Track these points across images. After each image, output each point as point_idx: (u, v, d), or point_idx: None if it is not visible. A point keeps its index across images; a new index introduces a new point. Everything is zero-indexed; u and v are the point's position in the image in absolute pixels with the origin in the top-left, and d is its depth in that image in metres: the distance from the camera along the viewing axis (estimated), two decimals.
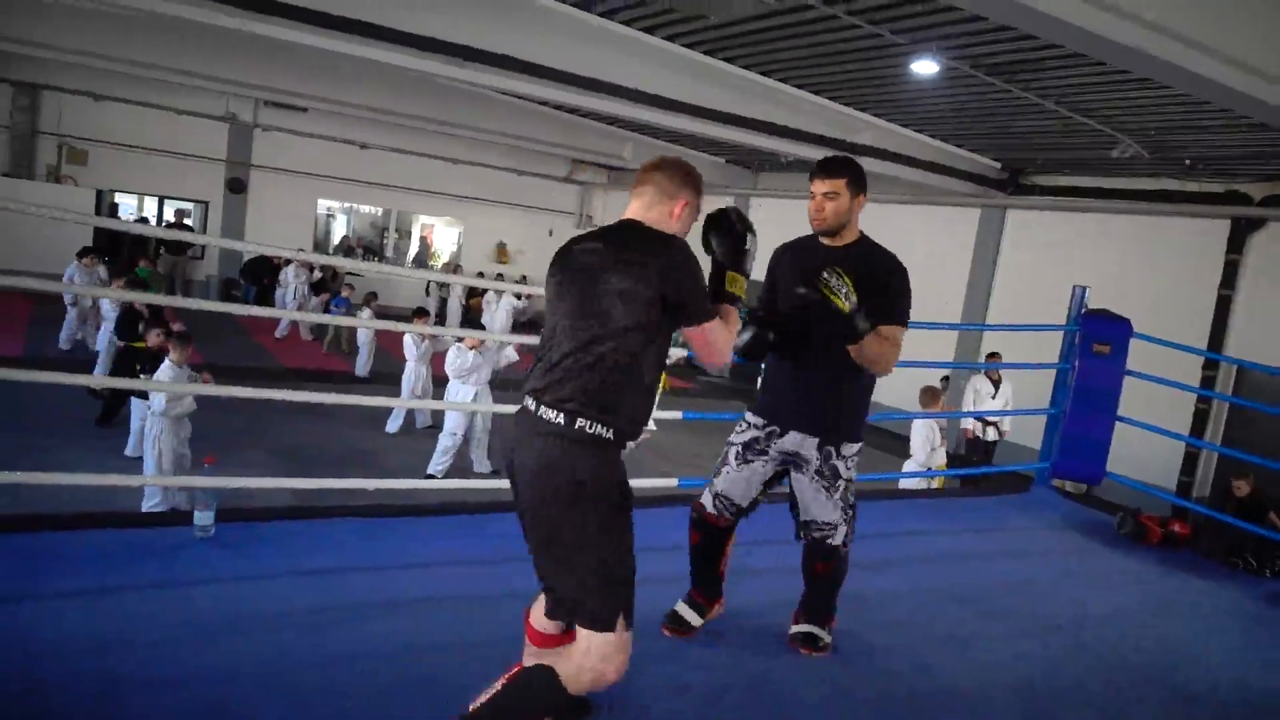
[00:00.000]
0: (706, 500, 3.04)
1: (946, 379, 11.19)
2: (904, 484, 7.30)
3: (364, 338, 12.67)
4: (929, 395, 8.00)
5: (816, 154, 10.54)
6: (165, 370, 6.61)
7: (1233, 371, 9.82)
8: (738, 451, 3.01)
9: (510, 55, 7.91)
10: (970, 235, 12.92)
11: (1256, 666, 3.54)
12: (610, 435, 2.09)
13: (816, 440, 2.91)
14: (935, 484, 7.72)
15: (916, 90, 9.17)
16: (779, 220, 15.90)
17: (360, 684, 2.53)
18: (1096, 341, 5.49)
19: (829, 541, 2.91)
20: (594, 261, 2.15)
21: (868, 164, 10.68)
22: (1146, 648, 3.57)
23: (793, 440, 2.94)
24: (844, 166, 2.95)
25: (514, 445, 2.17)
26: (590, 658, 2.06)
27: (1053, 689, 3.08)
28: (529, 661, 2.22)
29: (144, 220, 17.26)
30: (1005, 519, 5.33)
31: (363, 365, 12.64)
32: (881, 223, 15.19)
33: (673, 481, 4.54)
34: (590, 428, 2.07)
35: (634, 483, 4.66)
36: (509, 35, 7.92)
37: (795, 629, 3.06)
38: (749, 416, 3.06)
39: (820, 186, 2.96)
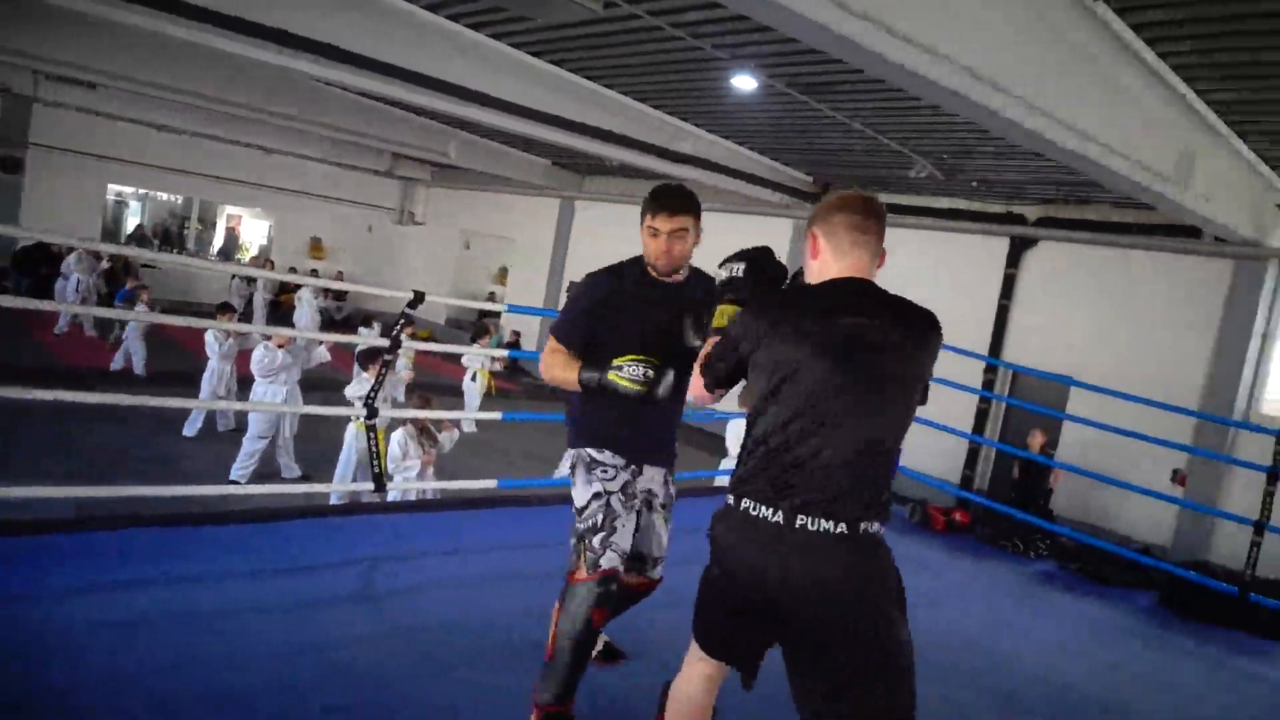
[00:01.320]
0: (610, 562, 2.51)
1: None
2: (720, 481, 7.57)
3: (132, 334, 11.75)
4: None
5: (641, 160, 10.77)
6: None
7: (1009, 375, 10.84)
8: (619, 499, 2.61)
9: (329, 43, 7.58)
10: (784, 244, 13.58)
11: (1048, 648, 3.95)
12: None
13: (664, 471, 2.79)
14: None
15: (736, 104, 9.54)
16: (605, 222, 16.19)
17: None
18: None
19: (660, 572, 2.81)
20: (877, 340, 1.87)
21: (688, 173, 11.11)
22: (931, 626, 3.89)
23: (648, 477, 2.73)
24: (689, 200, 2.67)
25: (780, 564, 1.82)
26: None
27: None
28: None
29: None
30: None
31: (139, 363, 11.71)
32: (705, 231, 15.73)
33: (492, 483, 4.51)
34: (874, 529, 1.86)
35: (453, 485, 4.64)
36: (327, 22, 7.58)
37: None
38: (607, 457, 2.64)
39: (666, 224, 2.61)
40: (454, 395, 10.76)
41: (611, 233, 16.58)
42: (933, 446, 7.68)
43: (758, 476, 1.87)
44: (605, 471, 2.63)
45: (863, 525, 1.80)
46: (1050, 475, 7.55)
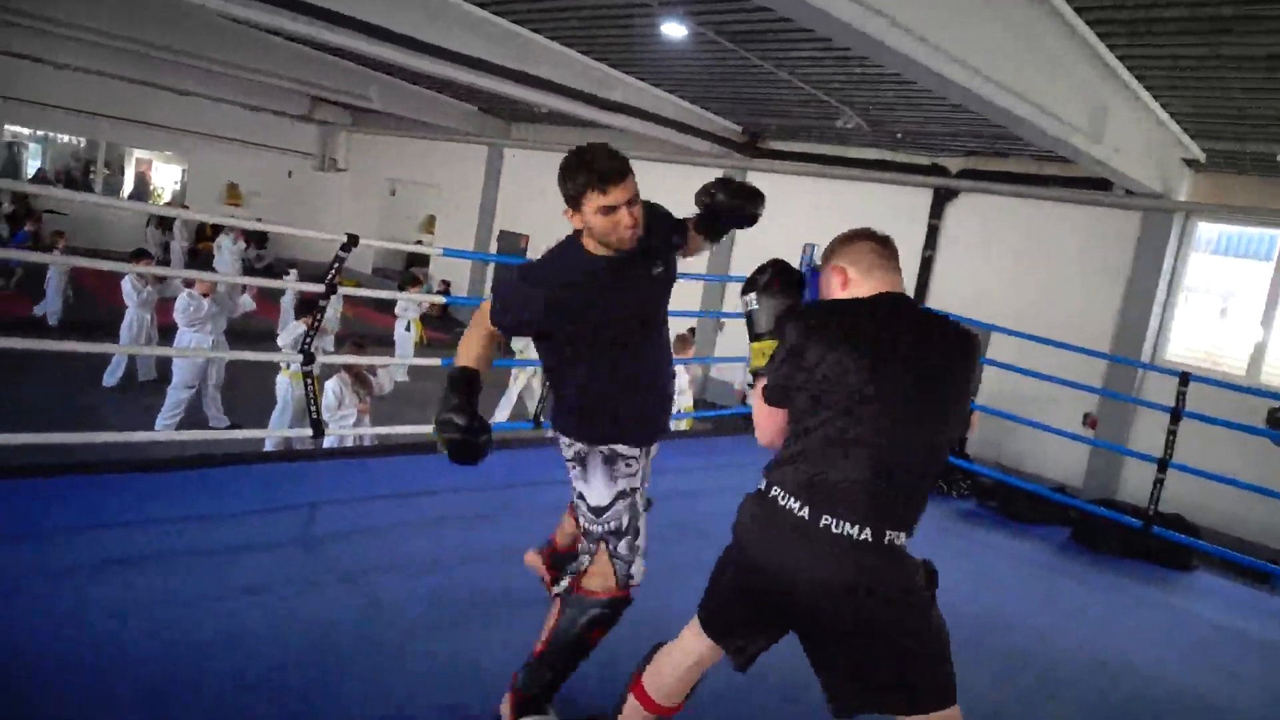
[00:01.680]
0: (639, 573, 2.35)
1: (693, 329, 11.83)
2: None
3: (53, 282, 11.26)
4: (680, 343, 8.47)
5: (571, 108, 10.65)
6: None
7: None
8: (641, 496, 2.41)
9: None
10: None
11: (968, 580, 4.18)
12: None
13: (655, 444, 2.55)
14: (684, 425, 8.20)
15: (666, 51, 9.49)
16: (535, 170, 16.01)
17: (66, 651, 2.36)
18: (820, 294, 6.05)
19: None
20: (927, 356, 1.89)
21: (619, 120, 11.05)
22: None
23: (651, 452, 2.51)
24: (623, 158, 2.24)
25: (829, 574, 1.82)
26: None
27: None
28: None
29: None
30: (743, 457, 5.81)
31: (53, 312, 11.24)
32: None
33: (427, 429, 4.52)
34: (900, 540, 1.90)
35: (389, 430, 4.64)
36: None
37: None
38: (626, 450, 2.35)
39: (620, 194, 2.18)
40: (385, 346, 10.61)
41: (541, 182, 16.44)
42: None
43: (793, 468, 1.87)
44: (629, 465, 2.35)
45: (888, 535, 1.82)
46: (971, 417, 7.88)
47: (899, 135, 10.86)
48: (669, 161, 13.64)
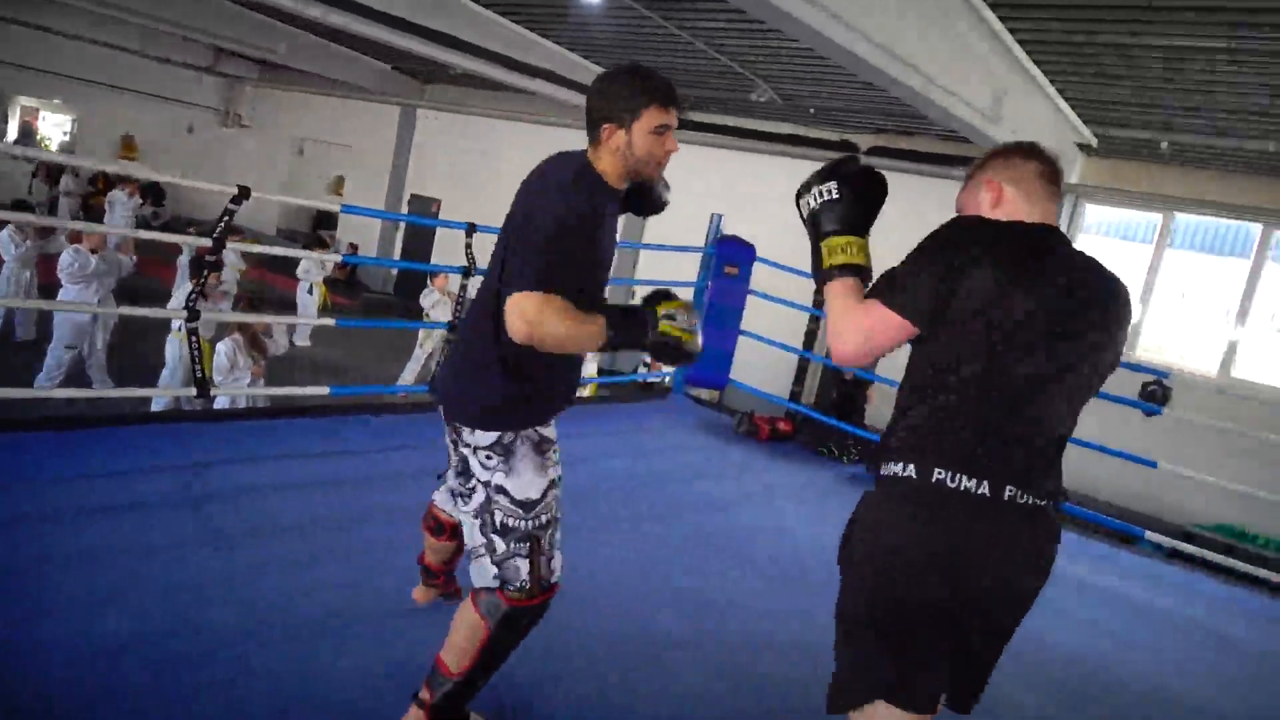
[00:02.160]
0: (556, 573, 2.08)
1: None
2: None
3: None
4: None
5: (488, 70, 10.47)
6: None
7: None
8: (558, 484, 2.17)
9: None
10: None
11: (830, 527, 4.31)
12: None
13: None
14: (587, 391, 8.21)
15: (584, 17, 9.39)
16: (449, 132, 15.70)
17: None
18: (727, 264, 6.14)
19: None
20: (1094, 302, 1.60)
21: (536, 85, 10.90)
22: (747, 521, 4.19)
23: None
24: None
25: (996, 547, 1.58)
26: None
27: (667, 563, 3.53)
28: None
29: None
30: (646, 422, 5.87)
31: None
32: (550, 146, 15.53)
33: (324, 390, 4.44)
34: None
35: (286, 391, 4.53)
36: None
37: None
38: (551, 432, 2.12)
39: (675, 118, 2.05)
40: (287, 309, 10.31)
41: (456, 145, 16.14)
42: (764, 362, 8.13)
43: (953, 435, 1.56)
44: (555, 451, 2.12)
45: (1050, 503, 1.61)
46: (868, 389, 8.09)
47: (811, 110, 11.01)
48: (583, 128, 13.56)
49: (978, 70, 6.61)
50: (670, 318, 1.96)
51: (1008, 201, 1.69)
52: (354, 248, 16.63)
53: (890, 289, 1.63)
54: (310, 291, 10.32)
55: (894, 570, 1.58)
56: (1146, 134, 8.44)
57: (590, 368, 8.35)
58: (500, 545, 2.02)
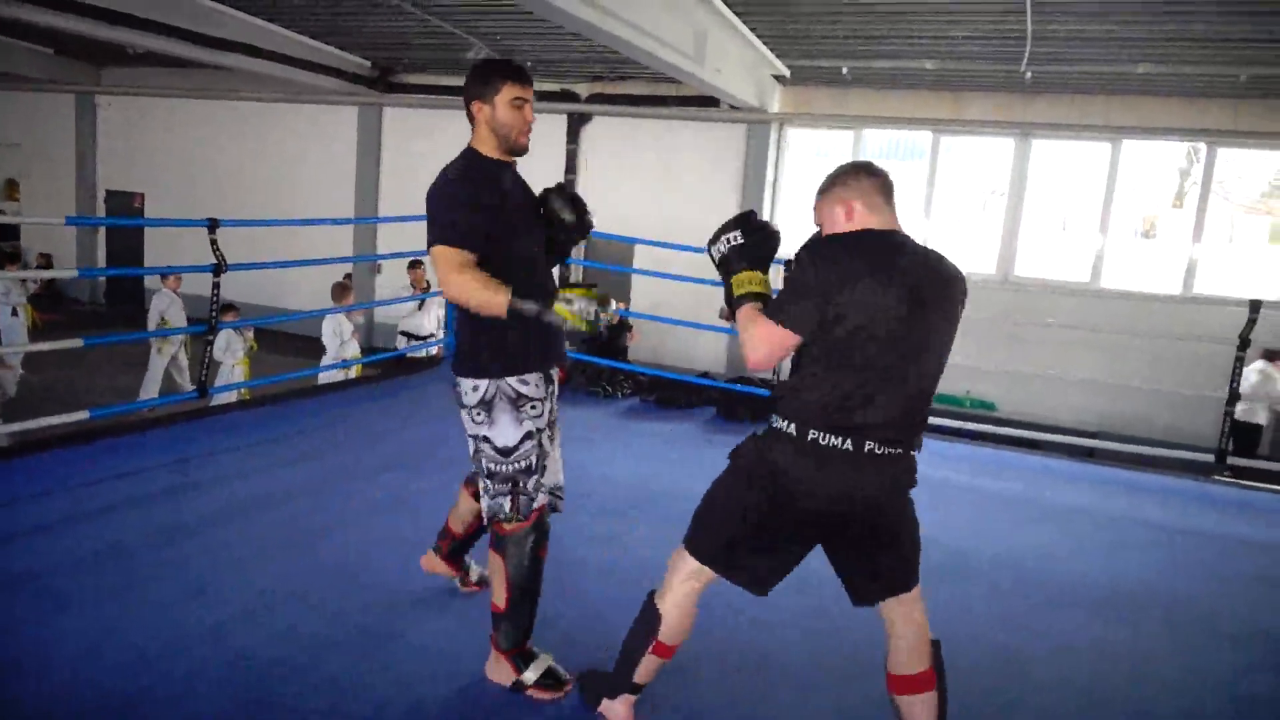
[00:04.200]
0: (540, 502, 2.45)
1: (349, 275, 11.51)
2: (323, 378, 7.50)
3: None
4: (340, 290, 8.24)
5: (173, 48, 9.64)
6: None
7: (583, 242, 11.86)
8: (547, 435, 2.52)
9: None
10: (351, 133, 13.15)
11: (630, 460, 4.69)
12: None
13: (555, 371, 2.62)
14: (354, 373, 8.07)
15: None
16: (139, 118, 14.29)
17: None
18: None
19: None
20: (935, 290, 2.04)
21: (232, 60, 10.21)
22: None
23: (554, 390, 2.60)
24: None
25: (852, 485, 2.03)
26: (921, 607, 2.20)
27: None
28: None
29: None
30: (424, 392, 5.95)
31: None
32: (258, 123, 14.50)
33: (84, 414, 4.15)
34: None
35: (42, 422, 4.16)
36: None
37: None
38: (531, 389, 2.44)
39: (529, 92, 2.46)
40: None
41: (151, 133, 14.71)
42: None
43: (825, 412, 2.01)
44: (534, 407, 2.43)
45: (913, 451, 2.10)
46: (628, 329, 8.58)
47: (529, 64, 11.17)
48: (296, 101, 12.88)
49: (679, 16, 7.09)
50: (568, 302, 2.28)
51: (858, 214, 2.08)
52: (47, 257, 14.85)
53: (782, 311, 2.03)
54: (15, 314, 9.13)
55: (763, 481, 2.09)
56: (830, 62, 9.42)
57: (353, 348, 8.18)
58: (490, 486, 2.41)
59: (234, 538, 3.32)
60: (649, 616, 2.22)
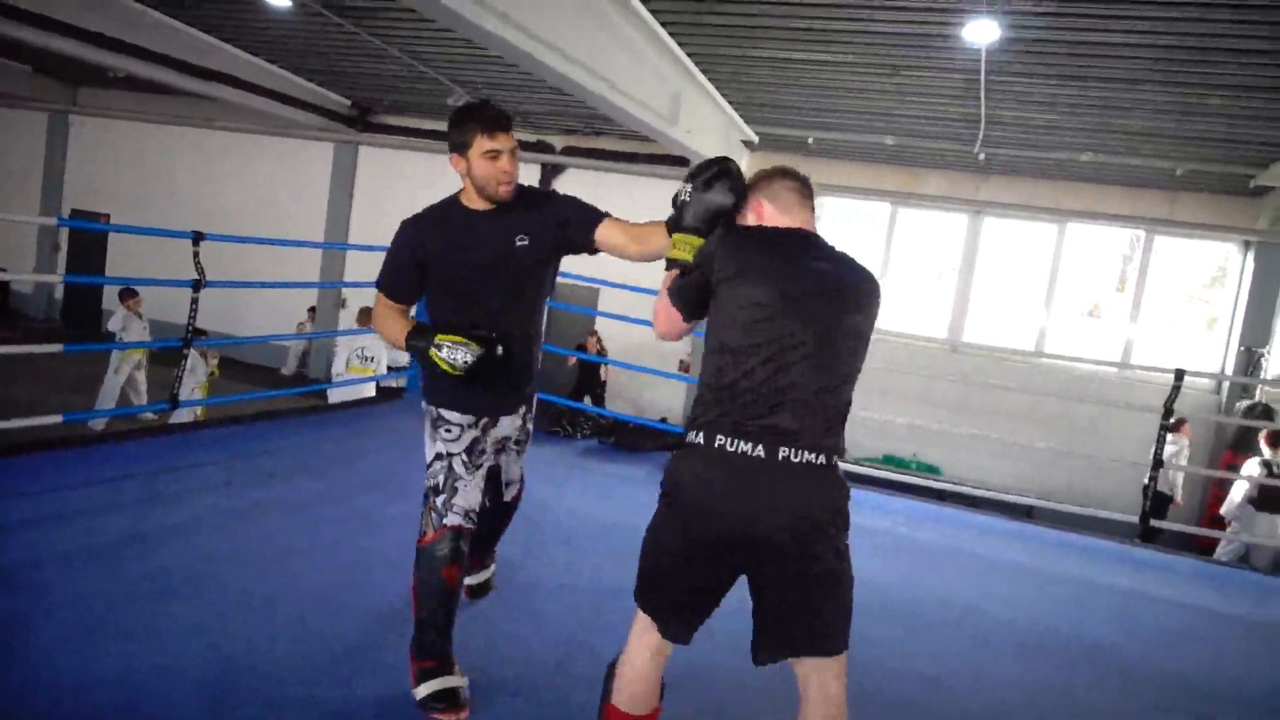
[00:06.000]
0: (453, 521, 2.50)
1: (313, 309, 11.68)
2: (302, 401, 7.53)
3: None
4: (365, 315, 8.47)
5: (157, 74, 9.79)
6: None
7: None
8: (463, 461, 2.54)
9: None
10: (326, 169, 13.33)
11: (568, 494, 4.84)
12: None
13: (521, 414, 2.74)
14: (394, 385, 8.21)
15: (269, 21, 9.16)
16: (112, 139, 14.32)
17: None
18: None
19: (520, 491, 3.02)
20: (831, 288, 1.94)
21: (215, 90, 10.38)
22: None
23: (502, 426, 2.67)
24: (509, 117, 2.51)
25: (748, 494, 1.84)
26: (841, 682, 1.93)
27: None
28: None
29: None
30: (383, 421, 6.06)
31: None
32: (232, 152, 14.50)
33: (56, 418, 4.21)
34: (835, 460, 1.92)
35: (17, 424, 4.19)
36: None
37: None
38: (454, 416, 2.54)
39: (505, 141, 2.44)
40: None
41: (123, 153, 14.72)
42: None
43: (730, 413, 1.88)
44: (449, 431, 2.54)
45: (834, 457, 1.90)
46: (601, 371, 8.79)
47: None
48: (273, 134, 13.04)
49: (655, 78, 7.43)
50: (438, 347, 2.38)
51: (767, 214, 2.09)
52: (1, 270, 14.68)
53: (677, 288, 2.08)
54: None
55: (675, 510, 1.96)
56: (796, 131, 9.86)
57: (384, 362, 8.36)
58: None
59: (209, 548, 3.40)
60: (607, 681, 2.05)
